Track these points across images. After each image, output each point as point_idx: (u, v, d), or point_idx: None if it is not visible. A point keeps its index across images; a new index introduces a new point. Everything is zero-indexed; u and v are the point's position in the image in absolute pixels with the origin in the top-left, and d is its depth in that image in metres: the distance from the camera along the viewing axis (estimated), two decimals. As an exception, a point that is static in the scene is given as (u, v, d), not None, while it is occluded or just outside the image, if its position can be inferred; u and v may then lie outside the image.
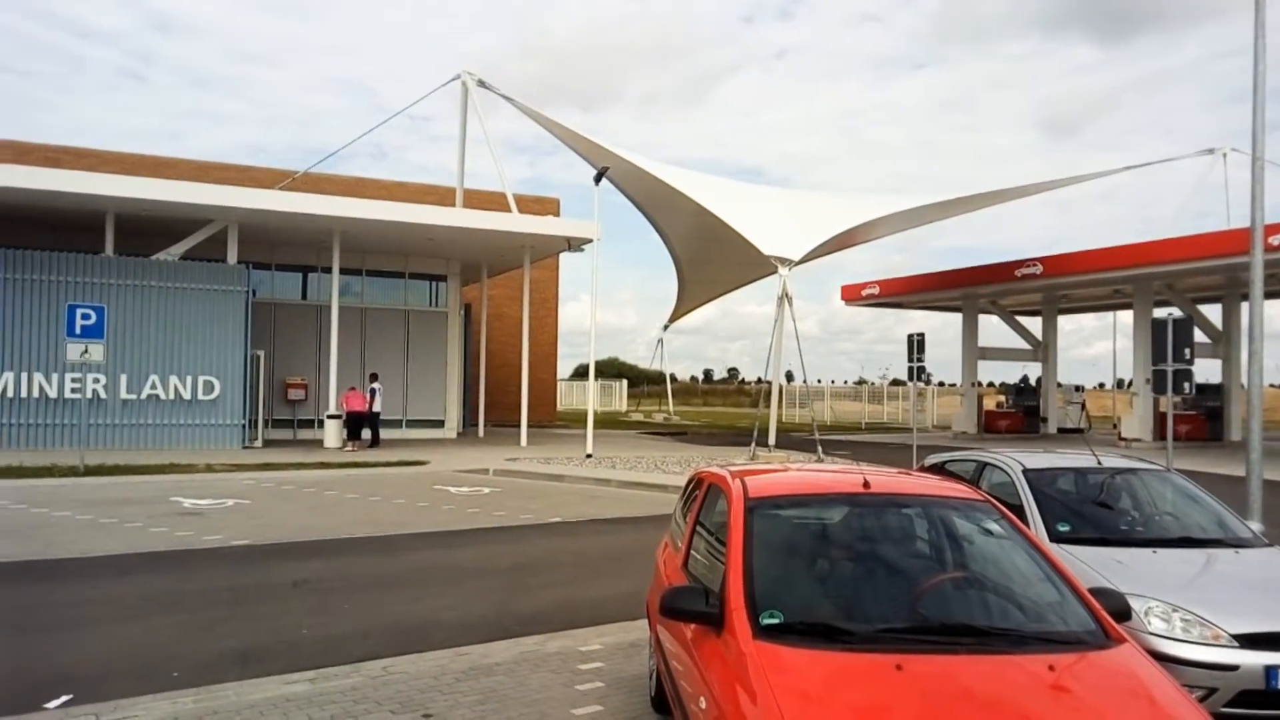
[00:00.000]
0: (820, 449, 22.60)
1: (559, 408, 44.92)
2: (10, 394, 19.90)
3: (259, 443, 22.58)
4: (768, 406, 24.42)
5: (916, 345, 19.09)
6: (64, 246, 21.00)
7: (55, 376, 20.14)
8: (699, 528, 4.76)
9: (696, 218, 27.10)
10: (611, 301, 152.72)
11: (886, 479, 4.62)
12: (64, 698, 5.23)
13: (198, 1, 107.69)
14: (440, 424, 27.53)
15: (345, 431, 22.76)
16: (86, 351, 16.71)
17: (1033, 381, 38.29)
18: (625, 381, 61.72)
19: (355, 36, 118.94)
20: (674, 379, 56.07)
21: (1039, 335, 37.60)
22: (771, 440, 23.63)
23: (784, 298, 23.09)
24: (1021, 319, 38.58)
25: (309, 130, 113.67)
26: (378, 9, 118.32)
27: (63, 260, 20.46)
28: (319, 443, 23.18)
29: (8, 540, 10.17)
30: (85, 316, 16.75)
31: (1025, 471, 6.66)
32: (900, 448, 25.22)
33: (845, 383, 54.77)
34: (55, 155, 30.39)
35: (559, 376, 46.11)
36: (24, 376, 20.01)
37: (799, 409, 46.17)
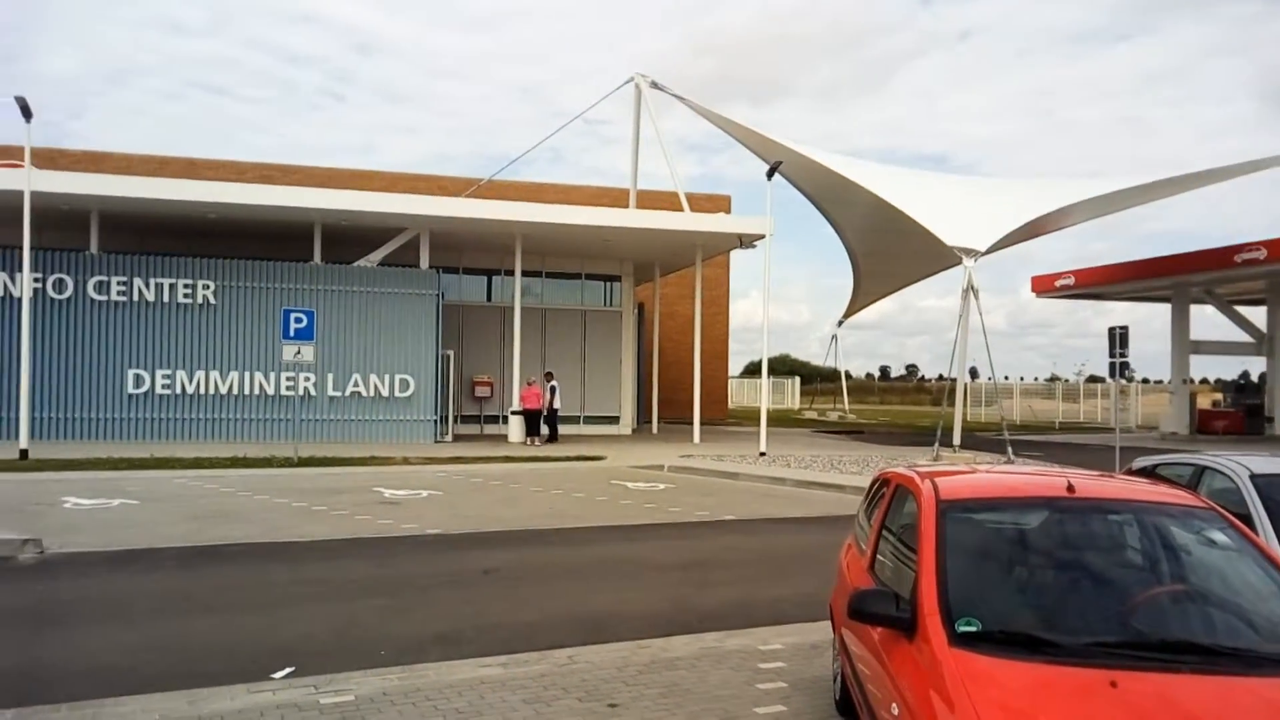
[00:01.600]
0: (1010, 450, 21.43)
1: (730, 405, 44.88)
2: (235, 391, 22.03)
3: (449, 437, 23.88)
4: (951, 405, 23.38)
5: (1119, 339, 17.73)
6: (277, 256, 23.00)
7: (272, 375, 22.12)
8: (885, 530, 4.62)
9: (873, 210, 26.32)
10: (783, 297, 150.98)
11: (1092, 482, 4.31)
12: (288, 669, 5.73)
13: (393, 23, 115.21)
14: (615, 420, 28.16)
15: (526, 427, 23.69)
16: (299, 352, 18.26)
17: (1255, 377, 34.67)
18: (798, 379, 60.87)
19: (534, 46, 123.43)
20: (849, 376, 54.69)
21: (1263, 327, 34.00)
22: (956, 440, 22.58)
23: (969, 290, 22.01)
24: (1241, 309, 35.02)
25: (492, 138, 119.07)
26: (555, 19, 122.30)
27: (277, 269, 22.43)
28: (504, 438, 24.24)
29: (238, 523, 11.26)
30: (297, 320, 18.30)
31: (1254, 477, 6.02)
32: (1100, 449, 23.50)
33: (1036, 379, 51.71)
34: (268, 173, 33.35)
35: (730, 374, 46.07)
36: (246, 375, 22.10)
37: (985, 407, 43.96)
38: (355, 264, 23.17)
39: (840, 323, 46.71)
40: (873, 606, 3.58)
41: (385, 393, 22.94)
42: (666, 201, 29.72)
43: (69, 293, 21.00)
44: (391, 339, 23.02)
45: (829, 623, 5.75)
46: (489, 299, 27.61)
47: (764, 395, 24.46)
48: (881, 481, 5.18)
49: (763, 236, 23.69)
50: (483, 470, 17.69)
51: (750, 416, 39.71)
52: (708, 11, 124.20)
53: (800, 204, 33.90)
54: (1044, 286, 37.33)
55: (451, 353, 24.92)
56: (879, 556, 4.57)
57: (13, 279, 20.19)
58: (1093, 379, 47.34)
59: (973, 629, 3.28)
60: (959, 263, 23.00)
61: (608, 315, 28.45)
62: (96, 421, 21.20)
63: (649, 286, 31.14)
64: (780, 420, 39.03)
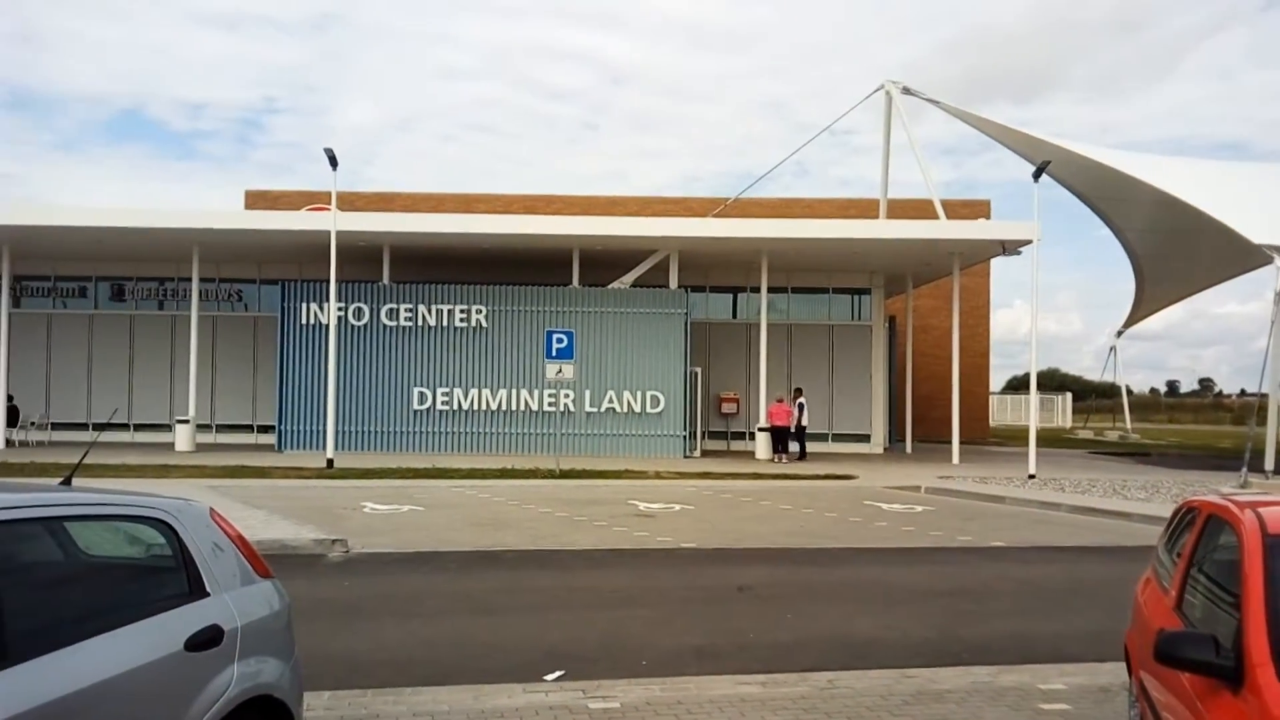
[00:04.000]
0: (1339, 477, 18.42)
1: (992, 423, 42.12)
2: (504, 407, 23.72)
3: (697, 453, 24.27)
4: (1261, 424, 20.48)
5: None
6: (540, 280, 24.55)
7: (536, 392, 23.59)
8: (1195, 565, 4.11)
9: (1160, 207, 23.77)
10: (1051, 306, 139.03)
11: None
12: (558, 673, 6.03)
13: (645, 53, 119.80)
14: (866, 438, 27.30)
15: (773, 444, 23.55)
16: (561, 371, 19.37)
17: None
18: (1069, 395, 56.03)
19: (779, 63, 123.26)
20: (1130, 391, 49.55)
21: None
22: (1269, 464, 19.73)
23: (1281, 293, 19.24)
24: None
25: (738, 157, 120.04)
26: (800, 34, 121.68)
27: (540, 293, 23.95)
28: (750, 454, 24.26)
29: (509, 531, 12.08)
30: (559, 341, 19.42)
31: None
32: None
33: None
34: (532, 204, 35.72)
35: (991, 390, 43.29)
36: (513, 392, 23.74)
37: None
38: (610, 286, 24.22)
39: (1120, 333, 42.54)
40: (1186, 651, 3.18)
41: (637, 408, 23.74)
42: (919, 210, 28.55)
43: (366, 319, 23.62)
44: (643, 357, 23.80)
45: (1122, 664, 5.21)
46: (734, 316, 27.82)
47: (1033, 412, 22.70)
48: (1187, 510, 4.62)
49: (1029, 242, 22.06)
50: (731, 486, 17.79)
51: (1014, 436, 37.04)
52: (964, 11, 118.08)
53: (1071, 204, 31.33)
54: (1380, 286, 31.84)
55: (699, 369, 25.34)
56: (1187, 595, 4.07)
57: (321, 308, 23.03)
58: None
59: (1318, 685, 2.82)
60: (1268, 262, 20.19)
61: (857, 330, 27.71)
62: (387, 434, 23.62)
63: (901, 299, 30.00)
64: (1050, 440, 36.04)
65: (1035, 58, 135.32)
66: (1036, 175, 20.64)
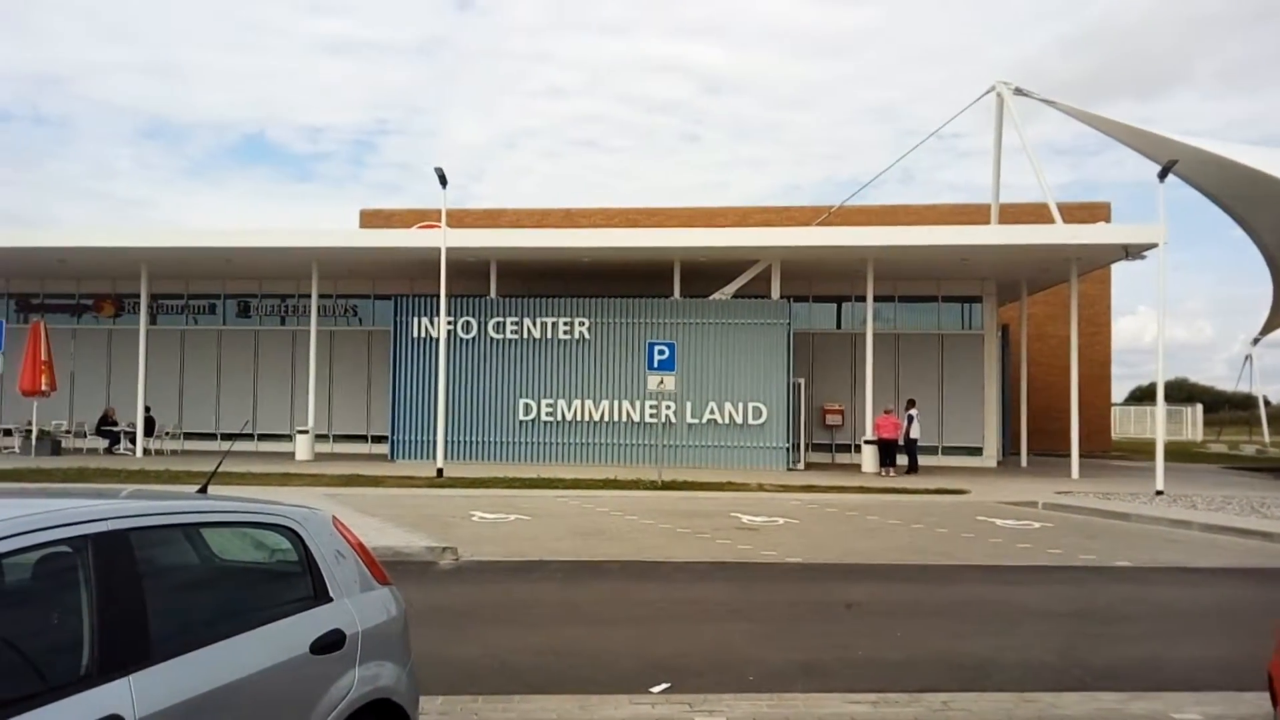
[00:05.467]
0: None
1: (1114, 436, 40.13)
2: (606, 418, 23.94)
3: (801, 465, 23.92)
4: None
5: None
6: (642, 292, 24.69)
7: (638, 404, 23.72)
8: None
9: (1298, 206, 22.26)
10: (1179, 313, 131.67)
11: None
12: (664, 685, 6.03)
13: (746, 60, 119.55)
14: (978, 452, 26.39)
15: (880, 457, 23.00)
16: (662, 382, 19.44)
17: None
18: (1199, 406, 52.93)
19: (882, 67, 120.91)
20: (1267, 403, 46.50)
21: None
22: None
23: None
24: None
25: (840, 163, 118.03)
26: (905, 36, 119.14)
27: (642, 305, 24.10)
28: (856, 467, 23.76)
29: (613, 541, 12.16)
30: (660, 352, 19.51)
31: None
32: None
33: None
34: (633, 217, 36.02)
35: (1113, 401, 41.29)
36: (615, 404, 23.93)
37: None
38: (711, 297, 24.19)
39: (1256, 340, 40.11)
40: (1342, 685, 2.95)
41: (739, 420, 23.58)
42: (1033, 214, 27.55)
43: (474, 333, 24.24)
44: (745, 368, 23.64)
45: (1265, 694, 4.89)
46: (839, 326, 27.36)
47: (1160, 424, 21.49)
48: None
49: (1154, 245, 20.97)
50: (837, 500, 17.45)
51: (1138, 449, 35.25)
52: (1081, 7, 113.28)
53: (1200, 205, 29.69)
54: None
55: (802, 380, 25.01)
56: (1341, 623, 3.77)
57: (431, 322, 23.76)
58: None
59: None
60: None
61: (968, 339, 26.86)
62: (494, 445, 24.14)
63: (1014, 307, 28.94)
64: (1179, 454, 34.12)
65: (1158, 52, 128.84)
66: (1163, 175, 19.62)
